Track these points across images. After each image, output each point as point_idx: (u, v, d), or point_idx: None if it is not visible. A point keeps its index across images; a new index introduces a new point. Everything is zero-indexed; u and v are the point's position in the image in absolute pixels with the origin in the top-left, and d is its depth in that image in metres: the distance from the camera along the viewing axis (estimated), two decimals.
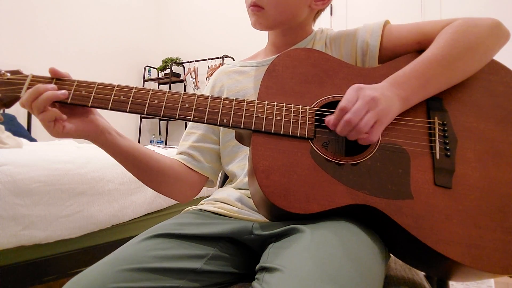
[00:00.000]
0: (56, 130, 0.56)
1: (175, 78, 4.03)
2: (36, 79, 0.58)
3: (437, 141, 0.54)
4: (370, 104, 0.52)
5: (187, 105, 0.57)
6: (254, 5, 0.67)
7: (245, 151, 0.72)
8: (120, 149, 0.66)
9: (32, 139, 2.47)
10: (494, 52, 0.60)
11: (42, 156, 1.19)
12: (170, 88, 4.09)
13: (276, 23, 0.70)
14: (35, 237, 1.07)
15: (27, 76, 0.59)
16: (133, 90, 0.58)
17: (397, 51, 0.65)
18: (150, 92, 0.58)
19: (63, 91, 0.57)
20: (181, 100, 0.58)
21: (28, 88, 0.57)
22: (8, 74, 0.59)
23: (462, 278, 0.54)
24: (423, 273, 0.68)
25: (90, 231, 1.24)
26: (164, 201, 1.54)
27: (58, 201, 1.14)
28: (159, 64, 4.19)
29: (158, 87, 4.29)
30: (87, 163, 1.28)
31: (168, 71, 4.10)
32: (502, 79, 0.59)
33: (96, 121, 0.62)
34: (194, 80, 3.88)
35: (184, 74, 4.09)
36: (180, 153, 0.77)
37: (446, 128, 0.55)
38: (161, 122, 4.32)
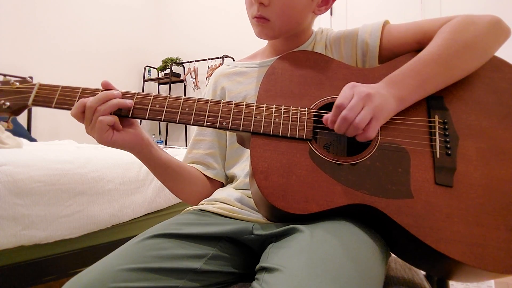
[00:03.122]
0: (106, 137, 0.58)
1: (175, 78, 4.04)
2: (43, 87, 0.61)
3: (437, 140, 0.54)
4: (365, 100, 0.52)
5: (187, 109, 0.59)
6: (260, 17, 0.66)
7: (247, 154, 0.72)
8: (161, 162, 0.68)
9: (32, 139, 2.47)
10: (494, 49, 0.59)
11: (42, 156, 1.19)
12: (170, 88, 4.09)
13: (281, 33, 0.69)
14: (35, 237, 1.07)
15: (34, 84, 0.61)
16: (135, 95, 0.60)
17: (396, 51, 0.65)
18: (152, 97, 0.59)
19: (129, 100, 0.59)
20: (181, 104, 0.59)
21: (35, 96, 0.60)
22: (17, 84, 0.61)
23: (464, 278, 0.53)
24: (423, 272, 0.68)
25: (90, 231, 1.24)
26: (164, 201, 1.54)
27: (58, 201, 1.14)
28: (159, 64, 4.19)
29: (158, 87, 4.30)
30: (87, 163, 1.27)
31: (168, 71, 4.10)
32: (504, 76, 0.58)
33: (141, 135, 0.63)
34: (194, 80, 3.88)
35: (184, 74, 4.09)
36: (194, 162, 0.77)
37: (447, 127, 0.55)
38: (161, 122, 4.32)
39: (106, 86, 0.61)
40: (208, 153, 0.76)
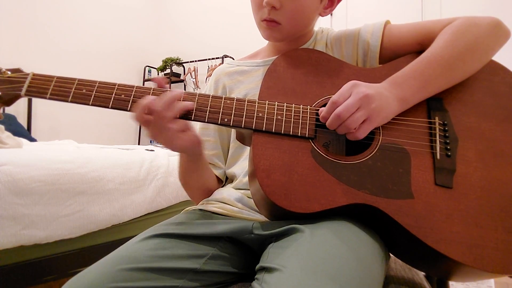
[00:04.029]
0: (180, 143, 0.57)
1: (175, 78, 4.03)
2: (37, 77, 0.58)
3: (437, 141, 0.54)
4: (362, 101, 0.52)
5: None
6: (270, 20, 0.65)
7: (247, 152, 0.72)
8: (205, 161, 0.69)
9: (32, 139, 2.47)
10: (494, 51, 0.60)
11: (42, 156, 1.19)
12: (170, 88, 4.08)
13: (289, 36, 0.69)
14: (35, 237, 1.07)
15: (27, 74, 0.59)
16: (134, 89, 0.58)
17: (397, 51, 0.65)
18: (151, 91, 0.58)
19: (191, 102, 0.57)
20: (182, 99, 0.58)
21: (29, 86, 0.58)
22: (9, 72, 0.59)
23: (463, 278, 0.53)
24: (423, 273, 0.68)
25: (90, 230, 1.24)
26: (164, 201, 1.53)
27: (58, 200, 1.14)
28: (159, 64, 4.19)
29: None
30: (87, 163, 1.27)
31: (168, 71, 4.10)
32: (503, 80, 0.59)
33: (196, 132, 0.63)
34: (194, 80, 3.87)
35: (184, 74, 4.09)
36: None
37: (446, 128, 0.55)
38: None
39: (161, 84, 0.59)
40: (214, 154, 0.76)
